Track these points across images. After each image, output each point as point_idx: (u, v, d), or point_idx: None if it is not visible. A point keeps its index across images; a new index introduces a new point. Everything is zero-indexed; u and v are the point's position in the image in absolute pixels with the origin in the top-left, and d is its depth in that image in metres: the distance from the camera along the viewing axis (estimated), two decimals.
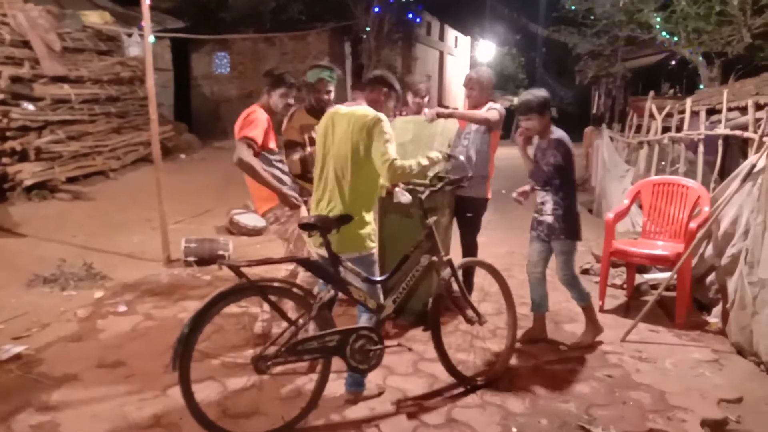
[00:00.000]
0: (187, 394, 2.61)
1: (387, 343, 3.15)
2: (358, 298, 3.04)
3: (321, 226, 2.88)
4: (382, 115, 3.07)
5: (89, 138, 9.05)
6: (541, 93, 3.86)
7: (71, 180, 8.34)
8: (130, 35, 11.18)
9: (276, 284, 2.92)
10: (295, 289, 2.92)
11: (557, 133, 3.87)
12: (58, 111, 8.46)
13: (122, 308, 4.52)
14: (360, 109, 3.15)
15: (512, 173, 8.94)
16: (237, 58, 17.51)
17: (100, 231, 6.70)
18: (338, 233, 2.95)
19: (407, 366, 3.62)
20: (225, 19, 15.59)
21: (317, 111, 3.97)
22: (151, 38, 5.39)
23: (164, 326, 4.21)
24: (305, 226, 2.96)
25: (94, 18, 10.22)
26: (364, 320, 3.16)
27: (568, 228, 3.84)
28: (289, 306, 3.29)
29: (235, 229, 6.90)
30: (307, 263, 3.03)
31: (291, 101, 3.99)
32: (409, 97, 4.65)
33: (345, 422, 3.00)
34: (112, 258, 5.79)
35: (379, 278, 3.17)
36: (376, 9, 16.95)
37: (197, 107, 17.36)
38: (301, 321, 2.85)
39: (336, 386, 3.19)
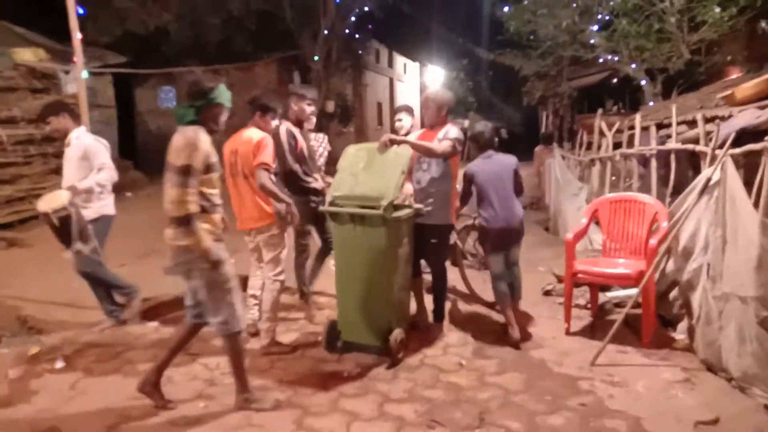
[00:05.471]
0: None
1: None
2: None
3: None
4: None
5: (25, 181, 8.59)
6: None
7: (5, 226, 7.84)
8: (67, 72, 10.76)
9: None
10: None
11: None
12: None
13: (60, 364, 4.14)
14: None
15: None
16: (183, 92, 17.15)
17: (37, 279, 6.26)
18: None
19: (372, 409, 3.40)
20: (167, 53, 15.28)
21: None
22: (84, 73, 5.11)
23: (105, 382, 3.86)
24: None
25: (27, 55, 9.77)
26: None
27: None
28: None
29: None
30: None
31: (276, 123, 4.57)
32: (304, 105, 4.90)
33: None
34: (50, 308, 5.38)
35: None
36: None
37: (143, 143, 16.91)
38: None
39: None
